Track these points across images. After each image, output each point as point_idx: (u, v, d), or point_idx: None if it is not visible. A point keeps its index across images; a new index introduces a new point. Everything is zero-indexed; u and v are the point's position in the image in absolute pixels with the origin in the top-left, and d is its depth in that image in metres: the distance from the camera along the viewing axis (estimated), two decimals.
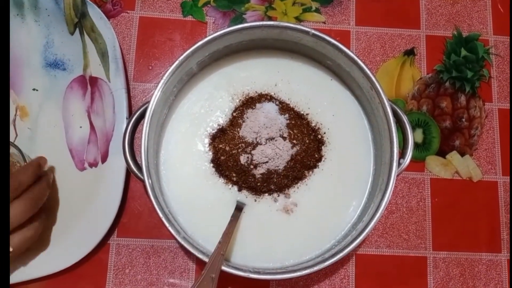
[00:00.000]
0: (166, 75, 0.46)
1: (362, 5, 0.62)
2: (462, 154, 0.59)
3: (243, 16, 0.60)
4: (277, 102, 0.52)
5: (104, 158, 0.54)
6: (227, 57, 0.54)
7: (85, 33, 0.55)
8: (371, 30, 0.61)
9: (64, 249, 0.52)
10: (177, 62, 0.47)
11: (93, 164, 0.54)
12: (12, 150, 0.52)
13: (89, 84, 0.56)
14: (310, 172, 0.51)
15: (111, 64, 0.55)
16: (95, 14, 0.55)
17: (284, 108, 0.52)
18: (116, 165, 0.53)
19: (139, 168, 0.46)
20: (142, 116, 0.47)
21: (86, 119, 0.55)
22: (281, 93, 0.53)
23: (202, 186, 0.51)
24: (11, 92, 0.56)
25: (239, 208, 0.49)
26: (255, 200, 0.50)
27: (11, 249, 0.45)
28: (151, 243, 0.54)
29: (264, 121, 0.51)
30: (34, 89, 0.56)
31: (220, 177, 0.51)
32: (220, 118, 0.52)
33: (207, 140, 0.52)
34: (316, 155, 0.52)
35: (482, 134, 0.59)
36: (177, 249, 0.55)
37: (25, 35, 0.56)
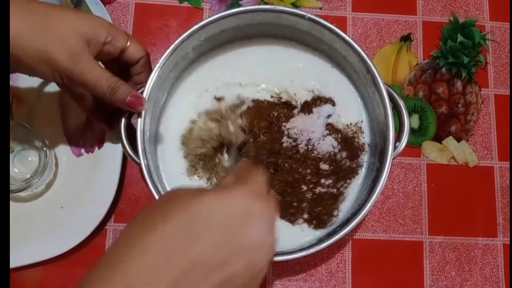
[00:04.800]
0: (162, 58, 0.46)
1: None
2: (458, 140, 0.59)
3: (240, 2, 0.60)
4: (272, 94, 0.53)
5: (100, 144, 0.54)
6: (224, 45, 0.54)
7: None
8: (367, 16, 0.61)
9: (61, 234, 0.52)
10: (172, 46, 0.47)
11: (89, 150, 0.55)
12: (20, 130, 0.52)
13: None
14: None
15: None
16: (91, 0, 0.55)
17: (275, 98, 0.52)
18: (113, 151, 0.53)
19: (136, 152, 0.46)
20: None
21: None
22: (276, 82, 0.53)
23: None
24: None
25: None
26: None
27: None
28: None
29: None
30: (31, 76, 0.56)
31: None
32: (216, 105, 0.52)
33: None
34: None
35: (478, 120, 0.60)
36: None
37: None
